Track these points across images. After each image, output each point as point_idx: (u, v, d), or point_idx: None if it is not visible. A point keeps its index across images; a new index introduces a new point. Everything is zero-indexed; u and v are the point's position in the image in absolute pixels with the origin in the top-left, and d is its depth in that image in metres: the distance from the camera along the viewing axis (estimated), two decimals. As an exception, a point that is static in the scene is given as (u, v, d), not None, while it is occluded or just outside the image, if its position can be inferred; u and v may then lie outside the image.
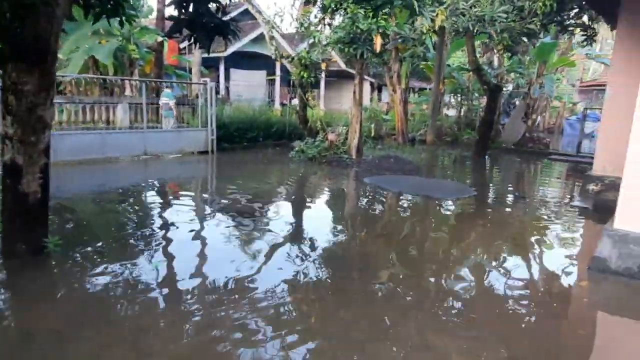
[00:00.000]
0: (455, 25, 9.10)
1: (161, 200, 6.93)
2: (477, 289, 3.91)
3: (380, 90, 27.47)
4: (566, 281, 4.22)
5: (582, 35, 9.85)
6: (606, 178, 7.41)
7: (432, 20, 7.93)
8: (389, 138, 15.78)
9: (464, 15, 8.73)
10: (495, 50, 16.05)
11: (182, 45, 19.41)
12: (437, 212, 6.89)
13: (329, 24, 9.80)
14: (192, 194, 7.51)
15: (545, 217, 6.58)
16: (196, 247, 4.66)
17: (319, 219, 6.12)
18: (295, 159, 10.82)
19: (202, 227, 5.35)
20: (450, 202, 7.35)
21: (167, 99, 11.92)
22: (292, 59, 11.20)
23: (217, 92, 19.57)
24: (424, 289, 3.96)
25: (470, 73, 17.44)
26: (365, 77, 20.42)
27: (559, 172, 11.52)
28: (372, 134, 14.89)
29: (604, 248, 4.21)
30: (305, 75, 10.84)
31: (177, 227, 5.22)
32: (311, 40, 10.87)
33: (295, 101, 13.93)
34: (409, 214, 6.79)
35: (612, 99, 7.32)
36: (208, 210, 6.33)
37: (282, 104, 20.13)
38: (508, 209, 7.25)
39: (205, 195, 7.43)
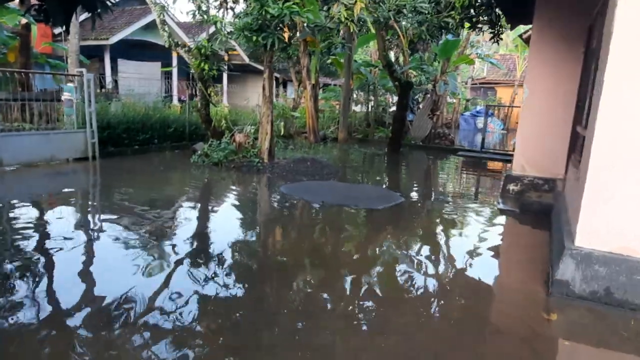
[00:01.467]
0: (376, 14, 8.42)
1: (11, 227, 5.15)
2: (424, 328, 3.12)
3: (285, 86, 26.60)
4: (531, 313, 3.63)
5: (490, 33, 9.87)
6: (525, 178, 7.31)
7: (349, 8, 7.13)
8: (299, 137, 14.93)
9: (384, 3, 8.07)
10: (401, 48, 15.99)
11: (56, 31, 16.63)
12: (368, 228, 6.11)
13: (232, 8, 8.53)
14: (57, 216, 5.74)
15: (481, 225, 6.20)
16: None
17: (226, 247, 4.92)
18: (198, 164, 9.39)
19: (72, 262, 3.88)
20: (379, 214, 6.61)
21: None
22: (190, 48, 9.67)
23: (103, 86, 17.06)
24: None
25: (376, 69, 17.31)
26: (272, 71, 19.30)
27: (472, 169, 11.59)
28: (282, 133, 13.91)
29: (566, 270, 3.70)
30: (206, 67, 9.42)
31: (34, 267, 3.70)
32: (212, 29, 9.49)
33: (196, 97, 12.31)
34: (337, 233, 5.88)
35: (529, 99, 7.20)
36: (78, 238, 4.77)
37: (181, 100, 18.21)
38: (442, 218, 6.68)
39: (73, 220, 5.74)
